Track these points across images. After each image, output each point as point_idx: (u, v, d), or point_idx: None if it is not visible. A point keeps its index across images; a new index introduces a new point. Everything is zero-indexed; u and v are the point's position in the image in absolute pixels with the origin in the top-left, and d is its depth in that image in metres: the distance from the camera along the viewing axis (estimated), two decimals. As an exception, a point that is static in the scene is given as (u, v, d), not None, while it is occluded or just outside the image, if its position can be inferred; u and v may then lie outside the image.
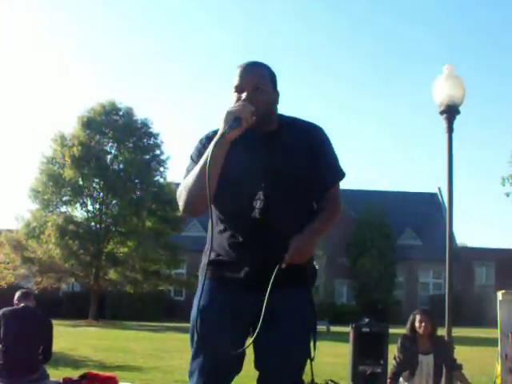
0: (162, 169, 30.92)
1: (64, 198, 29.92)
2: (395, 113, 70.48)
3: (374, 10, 65.92)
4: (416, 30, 64.93)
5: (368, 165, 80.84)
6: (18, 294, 6.22)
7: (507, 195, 17.87)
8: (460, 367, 5.77)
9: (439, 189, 42.11)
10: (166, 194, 30.10)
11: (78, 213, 30.55)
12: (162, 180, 30.93)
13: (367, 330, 5.94)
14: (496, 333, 6.76)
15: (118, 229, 29.69)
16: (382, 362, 5.80)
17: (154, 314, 32.00)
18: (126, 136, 29.91)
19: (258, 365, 2.74)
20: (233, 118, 2.48)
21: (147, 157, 30.51)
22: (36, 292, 25.36)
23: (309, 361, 2.71)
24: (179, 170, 79.76)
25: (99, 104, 29.94)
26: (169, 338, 19.41)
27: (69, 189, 29.35)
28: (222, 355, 2.61)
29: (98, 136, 29.78)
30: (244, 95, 2.61)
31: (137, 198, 29.62)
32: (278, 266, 2.55)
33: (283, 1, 65.91)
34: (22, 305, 6.07)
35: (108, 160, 30.39)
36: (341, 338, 14.97)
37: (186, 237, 33.80)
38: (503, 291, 6.92)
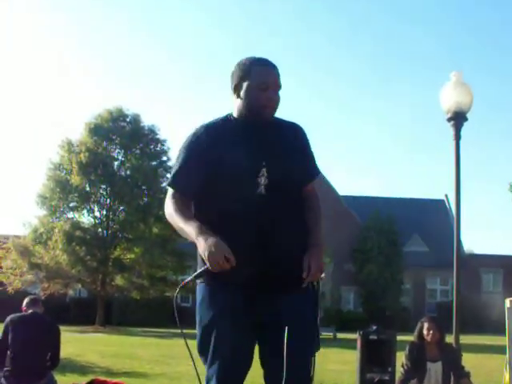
0: (168, 175, 30.86)
1: (71, 204, 30.02)
2: (402, 119, 70.42)
3: (373, 10, 65.82)
4: (416, 30, 64.76)
5: (375, 171, 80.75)
6: (26, 300, 6.24)
7: (515, 202, 17.77)
8: (468, 375, 5.74)
9: (446, 196, 42.06)
10: (173, 200, 30.13)
11: (85, 219, 30.73)
12: (168, 186, 30.95)
13: (375, 337, 5.92)
14: (503, 340, 6.72)
15: (124, 235, 29.77)
16: (389, 369, 5.78)
17: (161, 320, 31.93)
18: (133, 142, 30.02)
19: (265, 366, 2.83)
20: (204, 269, 2.67)
21: (154, 163, 30.60)
22: (43, 298, 25.41)
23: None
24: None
25: (106, 110, 30.05)
26: (175, 344, 19.38)
27: (76, 195, 29.43)
28: (236, 361, 2.74)
29: (105, 142, 29.89)
30: (271, 95, 2.85)
31: (144, 205, 29.66)
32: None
33: (283, 0, 66.05)
34: (31, 311, 6.08)
35: (115, 166, 30.50)
36: (348, 344, 14.94)
37: (193, 243, 33.78)
38: (511, 298, 6.88)
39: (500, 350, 6.71)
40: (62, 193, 29.09)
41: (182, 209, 2.79)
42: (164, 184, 30.68)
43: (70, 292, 33.78)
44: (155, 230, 30.02)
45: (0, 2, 55.98)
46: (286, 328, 2.65)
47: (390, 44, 67.48)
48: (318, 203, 3.00)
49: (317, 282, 2.81)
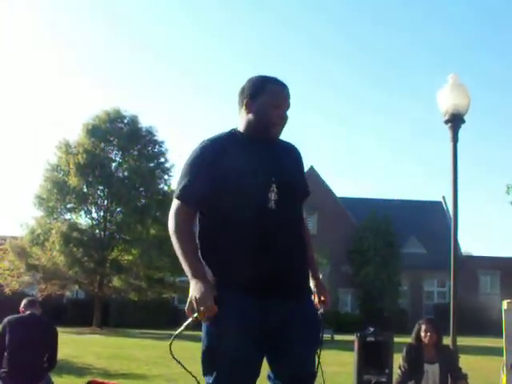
0: (166, 176, 30.92)
1: (68, 206, 29.98)
2: (400, 121, 70.54)
3: (373, 24, 66.21)
4: (416, 44, 65.28)
5: (373, 173, 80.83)
6: (24, 302, 6.23)
7: (512, 204, 17.80)
8: (465, 377, 5.75)
9: (444, 197, 42.08)
10: (170, 201, 29.63)
11: (83, 220, 30.70)
12: (166, 188, 30.95)
13: (372, 339, 5.92)
14: (501, 342, 6.73)
15: (122, 236, 29.73)
16: (386, 371, 5.78)
17: (158, 321, 31.92)
18: (131, 144, 29.98)
19: (273, 364, 2.88)
20: (193, 318, 2.67)
21: (152, 164, 30.56)
22: (40, 299, 25.38)
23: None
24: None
25: (104, 112, 30.02)
26: (173, 346, 19.36)
27: (73, 196, 29.36)
28: (247, 371, 2.76)
29: (102, 144, 29.83)
30: (282, 113, 2.96)
31: (141, 206, 29.62)
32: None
33: (282, 16, 66.24)
34: (28, 312, 6.08)
35: (113, 167, 30.46)
36: (345, 346, 14.94)
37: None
38: (509, 300, 6.88)
39: (497, 351, 6.72)
40: (59, 194, 29.04)
41: (189, 233, 2.84)
42: (161, 185, 30.73)
43: (67, 293, 33.78)
44: (152, 232, 29.99)
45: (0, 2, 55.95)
46: (297, 328, 2.79)
47: (390, 58, 67.65)
48: (308, 231, 3.17)
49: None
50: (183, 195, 2.87)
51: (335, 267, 33.84)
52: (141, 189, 30.06)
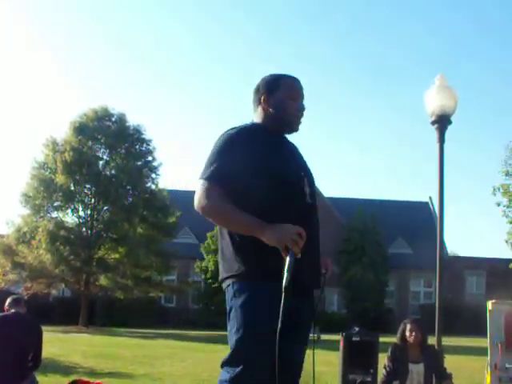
0: (153, 175, 30.86)
1: (55, 204, 29.84)
2: (388, 122, 70.74)
3: (358, 30, 66.38)
4: (404, 50, 65.46)
5: (360, 173, 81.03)
6: (9, 300, 6.19)
7: (498, 205, 17.95)
8: (450, 376, 5.77)
9: (430, 198, 42.22)
10: (157, 200, 30.09)
11: (69, 218, 30.59)
12: (153, 186, 30.89)
13: (357, 338, 5.93)
14: (486, 342, 6.77)
15: (109, 235, 29.61)
16: (371, 370, 5.80)
17: (145, 320, 31.86)
18: (119, 142, 29.87)
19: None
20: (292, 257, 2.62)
21: (139, 163, 30.45)
22: (26, 297, 25.24)
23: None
24: (171, 177, 79.73)
25: (91, 110, 29.90)
26: (159, 344, 19.34)
27: (60, 194, 29.22)
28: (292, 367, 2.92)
29: (90, 142, 29.71)
30: (300, 104, 3.06)
31: (128, 205, 29.53)
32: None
33: (268, 21, 66.22)
34: (13, 311, 6.04)
35: (100, 166, 30.33)
36: (331, 346, 14.94)
37: (178, 243, 33.71)
38: (493, 301, 6.94)
39: (482, 351, 6.76)
40: (46, 192, 28.90)
41: (228, 203, 2.78)
42: (149, 184, 30.64)
43: (54, 292, 33.61)
44: (140, 230, 29.95)
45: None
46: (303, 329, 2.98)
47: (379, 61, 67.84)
48: None
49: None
50: (215, 176, 2.79)
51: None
52: (128, 187, 29.97)
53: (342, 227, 37.19)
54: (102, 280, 29.42)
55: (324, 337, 23.19)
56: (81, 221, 30.14)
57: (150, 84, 71.91)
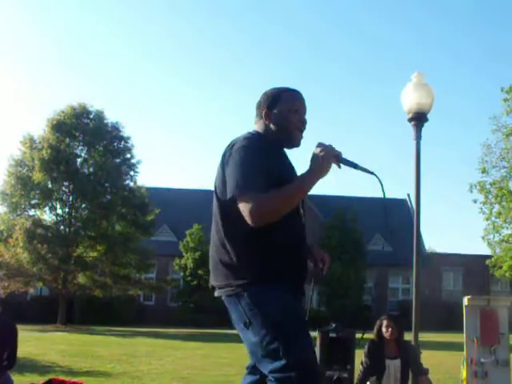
0: (132, 173, 30.68)
1: (33, 201, 29.56)
2: (367, 119, 71.09)
3: (334, 28, 66.60)
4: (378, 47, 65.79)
5: (339, 171, 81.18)
6: (-17, 300, 6.13)
7: (475, 202, 18.11)
8: (426, 372, 5.82)
9: (408, 195, 42.49)
10: (136, 198, 29.96)
11: (47, 216, 30.30)
12: (132, 184, 30.72)
13: (334, 335, 5.95)
14: (462, 337, 6.84)
15: (87, 233, 29.39)
16: (348, 367, 5.81)
17: (124, 318, 31.74)
18: (97, 139, 29.66)
19: None
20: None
21: (118, 160, 30.26)
22: (3, 296, 24.99)
23: None
24: (150, 175, 79.43)
25: (69, 107, 29.66)
26: (138, 343, 19.28)
27: (38, 192, 28.96)
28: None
29: (68, 139, 29.48)
30: (302, 117, 3.09)
31: (107, 202, 29.38)
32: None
33: (243, 28, 66.20)
34: (-13, 310, 5.99)
35: (78, 163, 30.10)
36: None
37: (156, 241, 33.63)
38: (469, 296, 7.01)
39: (459, 347, 6.84)
40: (23, 189, 28.63)
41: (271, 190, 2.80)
42: (127, 182, 30.49)
43: (31, 290, 33.25)
44: (118, 228, 29.82)
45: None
46: None
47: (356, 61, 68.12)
48: None
49: None
50: (253, 186, 2.75)
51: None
52: (106, 185, 29.78)
53: (321, 225, 37.29)
54: (81, 278, 29.23)
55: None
56: (59, 219, 29.91)
57: (128, 81, 71.58)
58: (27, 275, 28.45)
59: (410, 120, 6.42)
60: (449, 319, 29.48)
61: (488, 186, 18.15)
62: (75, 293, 31.18)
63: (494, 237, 19.52)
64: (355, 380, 5.47)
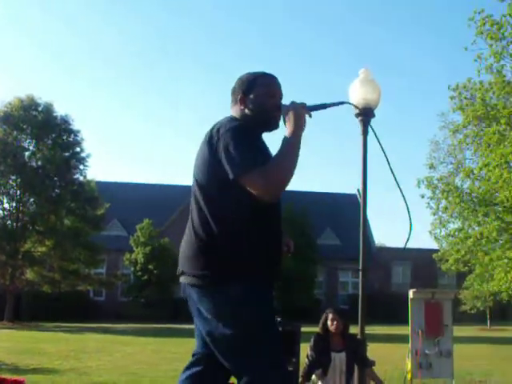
0: (81, 166, 30.34)
1: (-21, 196, 28.97)
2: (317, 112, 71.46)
3: (287, 18, 66.86)
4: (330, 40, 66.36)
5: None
6: None
7: (422, 197, 18.42)
8: (372, 364, 5.89)
9: (358, 190, 42.97)
10: (85, 192, 29.63)
11: (-6, 210, 29.68)
12: (81, 178, 30.36)
13: (279, 328, 5.96)
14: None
15: (35, 227, 28.96)
16: (294, 360, 5.84)
17: (73, 314, 31.33)
18: (45, 132, 29.25)
19: None
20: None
21: (67, 154, 29.86)
22: None
23: None
24: (100, 168, 78.49)
25: (17, 99, 29.12)
26: (87, 338, 19.08)
27: (-16, 186, 28.39)
28: None
29: (15, 132, 29.00)
30: (278, 102, 3.03)
31: (55, 196, 29.01)
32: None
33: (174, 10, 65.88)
34: None
35: (26, 157, 29.63)
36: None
37: (106, 236, 33.30)
38: (414, 290, 7.14)
39: (407, 339, 6.96)
40: (-31, 183, 28.05)
41: (270, 161, 2.83)
42: (76, 175, 30.10)
43: (-23, 287, 32.62)
44: (67, 223, 29.47)
45: None
46: None
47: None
48: None
49: None
50: (252, 163, 2.71)
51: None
52: (55, 179, 29.41)
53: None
54: (29, 274, 28.83)
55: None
56: (5, 213, 29.41)
57: (78, 75, 70.51)
58: (-27, 271, 27.88)
59: (357, 115, 6.49)
60: (398, 312, 29.91)
61: (435, 182, 18.46)
62: (23, 289, 30.72)
63: (440, 231, 19.90)
64: (300, 373, 5.50)
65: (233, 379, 2.93)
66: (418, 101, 71.39)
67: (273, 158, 2.80)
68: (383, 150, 3.04)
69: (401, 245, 41.79)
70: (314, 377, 5.77)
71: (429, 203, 18.48)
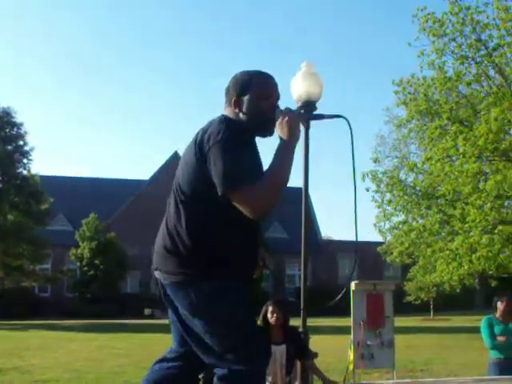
0: (25, 160, 29.77)
1: None
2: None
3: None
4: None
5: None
6: None
7: (367, 190, 18.66)
8: (313, 356, 5.91)
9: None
10: (29, 186, 29.08)
11: None
12: (25, 172, 29.78)
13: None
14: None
15: (-23, 223, 28.29)
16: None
17: (18, 311, 30.75)
18: (-14, 125, 28.56)
19: None
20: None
21: (10, 147, 29.32)
22: None
23: None
24: (44, 162, 77.11)
25: (-44, 91, 28.39)
26: (31, 336, 18.78)
27: None
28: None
29: (-47, 124, 28.26)
30: (273, 102, 2.86)
31: (-2, 191, 28.38)
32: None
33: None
34: None
35: (-34, 150, 28.87)
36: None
37: (52, 231, 32.77)
38: (356, 281, 7.23)
39: (350, 331, 7.05)
40: None
41: (264, 174, 2.74)
42: (20, 169, 29.52)
43: None
44: (10, 218, 28.89)
45: None
46: None
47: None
48: None
49: None
50: (248, 177, 2.60)
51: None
52: (-2, 173, 28.77)
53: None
54: (-30, 270, 28.17)
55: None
56: None
57: (22, 66, 69.05)
58: None
59: (299, 108, 6.51)
60: (344, 304, 30.32)
61: (380, 176, 18.71)
62: (-36, 286, 30.02)
63: (384, 224, 20.19)
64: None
65: None
66: (364, 95, 72.24)
67: (265, 175, 2.68)
68: (352, 147, 2.92)
69: (347, 237, 42.33)
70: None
71: (373, 196, 18.70)
